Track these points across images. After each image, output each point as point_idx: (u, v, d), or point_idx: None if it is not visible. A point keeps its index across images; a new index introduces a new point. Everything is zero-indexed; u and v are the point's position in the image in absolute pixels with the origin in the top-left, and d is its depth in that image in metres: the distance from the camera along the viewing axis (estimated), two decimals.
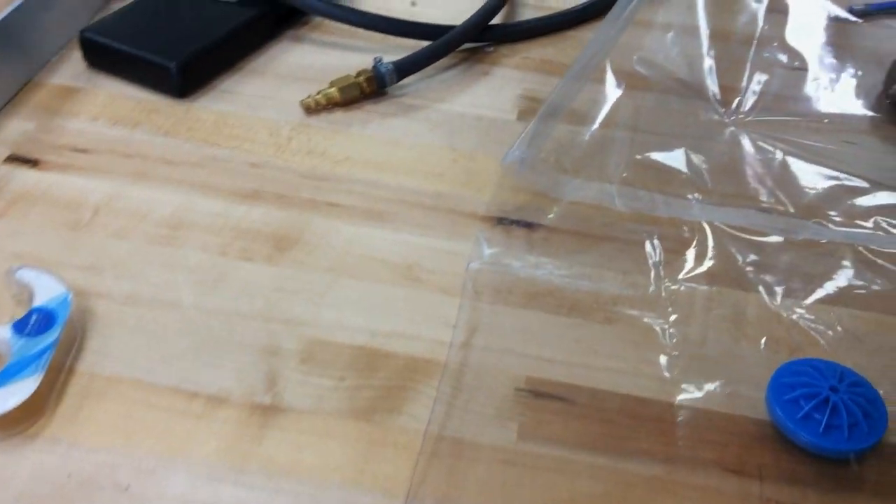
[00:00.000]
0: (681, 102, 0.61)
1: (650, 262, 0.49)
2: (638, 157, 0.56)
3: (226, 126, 0.57)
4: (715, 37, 0.65)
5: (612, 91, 0.60)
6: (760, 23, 0.67)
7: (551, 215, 0.52)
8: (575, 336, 0.45)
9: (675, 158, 0.56)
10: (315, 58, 0.64)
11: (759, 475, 0.39)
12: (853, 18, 0.71)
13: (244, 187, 0.52)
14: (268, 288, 0.46)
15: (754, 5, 0.69)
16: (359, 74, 0.60)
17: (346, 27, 0.66)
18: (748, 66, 0.63)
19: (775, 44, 0.65)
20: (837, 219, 0.53)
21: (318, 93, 0.59)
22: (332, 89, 0.59)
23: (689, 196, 0.53)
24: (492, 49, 0.67)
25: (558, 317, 0.46)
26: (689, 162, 0.56)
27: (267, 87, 0.61)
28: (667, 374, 0.43)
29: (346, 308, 0.45)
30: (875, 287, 0.49)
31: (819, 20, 0.69)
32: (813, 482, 0.39)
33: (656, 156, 0.56)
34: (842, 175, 0.56)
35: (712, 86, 0.62)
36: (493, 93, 0.62)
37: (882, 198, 0.55)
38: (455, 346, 0.44)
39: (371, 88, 0.60)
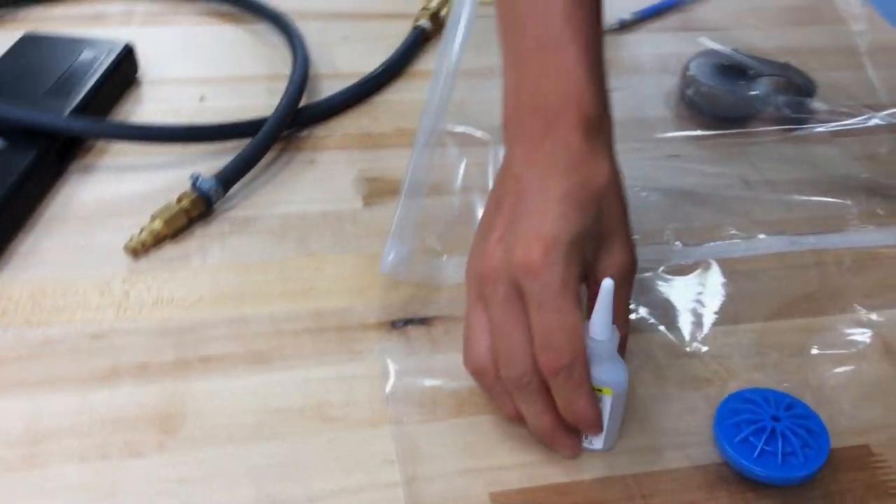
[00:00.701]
0: None
1: None
2: None
3: (45, 297, 0.49)
4: None
5: (458, 153, 0.59)
6: None
7: (442, 304, 0.50)
8: (518, 433, 0.43)
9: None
10: (116, 188, 0.57)
11: None
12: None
13: (96, 368, 0.45)
14: (172, 482, 0.40)
15: None
16: (180, 199, 0.54)
17: (136, 145, 0.60)
18: None
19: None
20: (694, 236, 0.56)
21: (141, 231, 0.52)
22: (157, 223, 0.53)
23: None
24: (305, 133, 0.64)
25: (493, 417, 0.44)
26: None
27: (76, 237, 0.53)
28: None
29: (268, 480, 0.41)
30: (750, 293, 0.52)
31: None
32: None
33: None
34: (681, 190, 0.59)
35: None
36: (327, 182, 0.59)
37: (722, 206, 0.58)
38: (405, 484, 0.41)
39: (198, 211, 0.54)
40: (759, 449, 0.41)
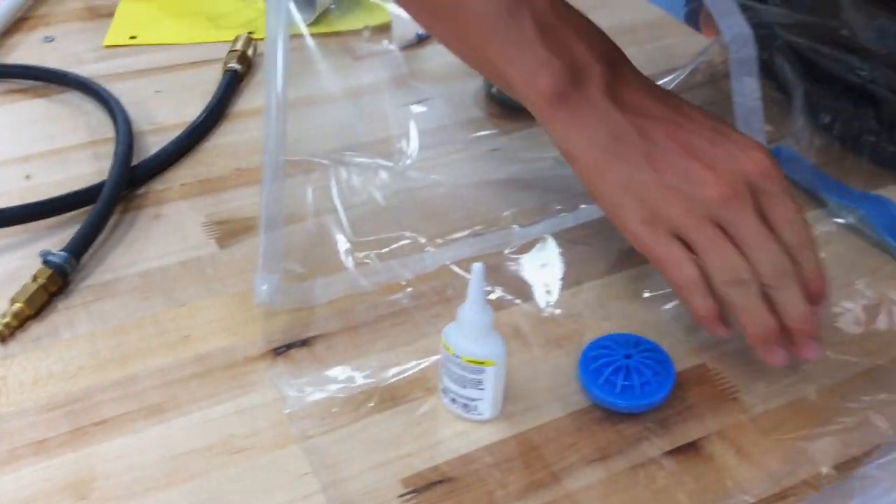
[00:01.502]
0: (360, 168, 0.66)
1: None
2: (357, 234, 0.60)
3: None
4: (349, 96, 0.71)
5: (302, 182, 0.63)
6: (378, 71, 0.75)
7: (318, 323, 0.54)
8: (414, 420, 0.48)
9: (385, 223, 0.61)
10: None
11: (602, 455, 0.47)
12: None
13: None
14: None
15: (362, 60, 0.76)
16: (35, 277, 0.55)
17: None
18: (389, 113, 0.70)
19: (400, 88, 0.73)
20: (528, 217, 0.63)
21: (4, 315, 0.53)
22: (18, 305, 0.53)
23: (419, 251, 0.59)
24: (143, 190, 0.65)
25: (390, 411, 0.49)
26: (396, 220, 0.61)
27: None
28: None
29: None
30: (586, 257, 0.59)
31: (416, 56, 0.79)
32: (643, 436, 0.48)
33: (369, 227, 0.61)
34: (507, 179, 0.66)
35: (375, 143, 0.68)
36: (178, 232, 0.61)
37: (545, 186, 0.66)
38: (324, 491, 0.44)
39: (56, 285, 0.55)
40: (619, 385, 0.48)
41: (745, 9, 0.59)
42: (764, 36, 0.67)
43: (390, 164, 0.66)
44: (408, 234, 0.60)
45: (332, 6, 0.85)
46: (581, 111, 0.48)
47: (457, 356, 0.46)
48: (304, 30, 0.66)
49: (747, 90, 0.63)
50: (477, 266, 0.44)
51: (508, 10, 0.49)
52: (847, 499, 0.40)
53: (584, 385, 0.49)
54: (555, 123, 0.49)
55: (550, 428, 0.48)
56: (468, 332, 0.45)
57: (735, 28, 0.59)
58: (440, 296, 0.56)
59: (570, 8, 0.52)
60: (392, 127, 0.69)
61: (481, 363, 0.46)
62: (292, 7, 0.61)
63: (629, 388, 0.48)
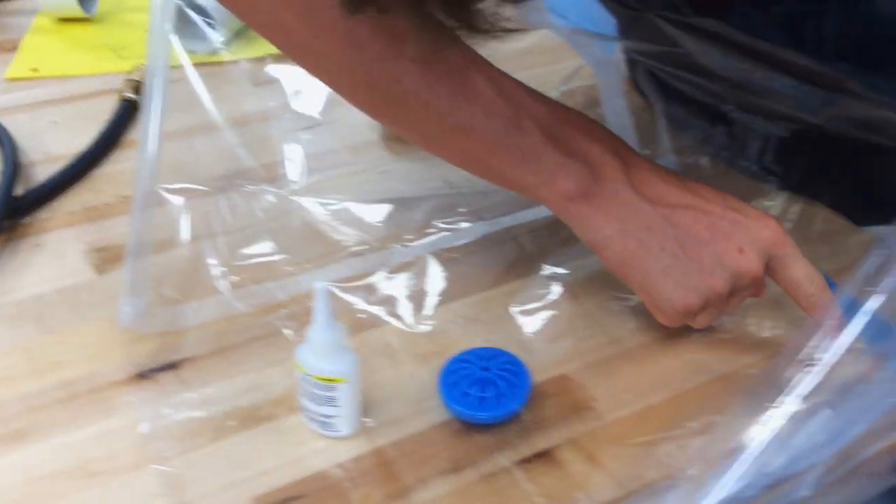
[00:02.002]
0: (243, 194, 0.67)
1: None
2: (235, 259, 0.61)
3: None
4: (235, 125, 0.72)
5: (179, 209, 0.64)
6: (265, 99, 0.76)
7: (188, 346, 0.55)
8: (274, 439, 0.49)
9: (265, 246, 0.62)
10: None
11: (455, 467, 0.48)
12: None
13: None
14: None
15: (254, 88, 0.78)
16: None
17: None
18: (276, 140, 0.72)
19: (287, 115, 0.75)
20: (410, 237, 0.64)
21: None
22: None
23: (296, 272, 0.60)
24: (28, 220, 0.66)
25: (251, 431, 0.49)
26: (278, 243, 0.63)
27: None
28: (367, 421, 0.50)
29: None
30: (463, 275, 0.61)
31: (305, 85, 0.80)
32: (500, 446, 0.49)
33: (249, 250, 0.62)
34: (394, 199, 0.68)
35: (260, 169, 0.69)
36: (57, 260, 0.62)
37: (431, 206, 0.67)
38: None
39: None
40: (475, 397, 0.49)
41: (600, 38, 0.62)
42: (630, 59, 0.70)
43: (275, 189, 0.67)
44: (287, 256, 0.62)
45: (222, 40, 0.86)
46: (607, 204, 0.52)
47: (308, 374, 0.47)
48: (186, 60, 0.67)
49: (618, 110, 0.65)
50: (320, 286, 0.45)
51: (511, 122, 0.52)
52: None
53: (443, 398, 0.50)
54: (580, 219, 0.53)
55: (409, 442, 0.49)
56: (318, 351, 0.46)
57: (596, 55, 0.61)
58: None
59: (565, 107, 0.55)
60: (279, 153, 0.70)
61: (332, 380, 0.47)
62: (174, 39, 0.62)
63: (484, 399, 0.49)
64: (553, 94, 0.71)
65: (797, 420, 0.44)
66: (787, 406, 0.45)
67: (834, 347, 0.45)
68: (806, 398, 0.45)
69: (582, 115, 0.55)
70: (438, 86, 0.52)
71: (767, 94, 0.57)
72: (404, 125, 0.58)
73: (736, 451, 0.44)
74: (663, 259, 0.51)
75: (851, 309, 0.50)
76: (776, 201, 0.66)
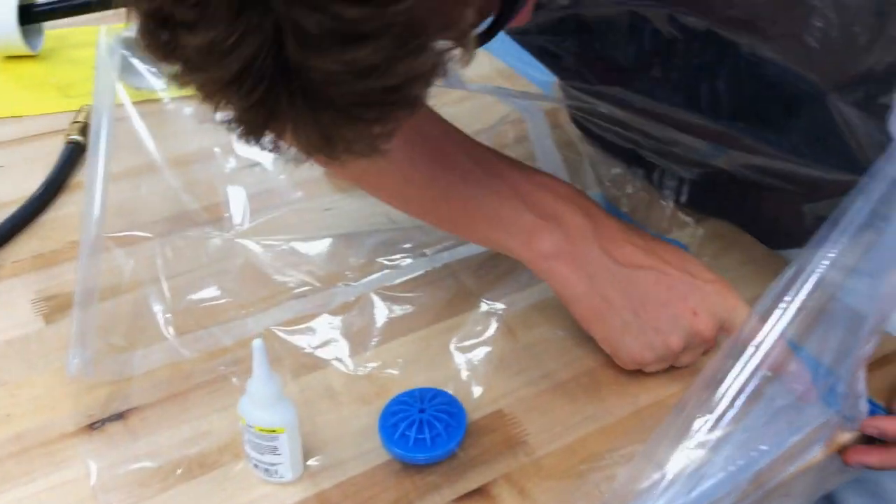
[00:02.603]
0: (188, 238, 0.69)
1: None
2: (181, 304, 0.63)
3: None
4: (178, 165, 0.74)
5: (124, 255, 0.66)
6: (210, 138, 0.78)
7: (136, 395, 0.57)
8: (221, 486, 0.51)
9: (210, 291, 0.64)
10: None
11: (408, 502, 0.51)
12: None
13: None
14: None
15: (199, 126, 0.79)
16: None
17: None
18: (219, 181, 0.74)
19: (231, 154, 0.77)
20: (353, 275, 0.67)
21: None
22: None
23: (241, 316, 0.62)
24: None
25: (198, 479, 0.52)
26: (223, 286, 0.65)
27: None
28: (311, 463, 0.52)
29: None
30: (404, 313, 0.64)
31: None
32: (438, 485, 0.52)
33: (194, 295, 0.64)
34: (338, 237, 0.70)
35: (204, 211, 0.71)
36: (5, 311, 0.63)
37: (374, 242, 0.70)
38: None
39: None
40: (412, 439, 0.52)
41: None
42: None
43: (219, 231, 0.69)
44: (231, 299, 0.64)
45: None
46: (579, 263, 0.55)
47: (250, 426, 0.49)
48: (126, 99, 0.68)
49: (547, 150, 0.69)
50: (256, 343, 0.47)
51: (489, 189, 0.56)
52: None
53: (382, 440, 0.53)
54: (555, 276, 0.56)
55: (350, 484, 0.52)
56: (258, 403, 0.49)
57: (520, 104, 0.64)
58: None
59: (537, 172, 0.59)
60: (223, 194, 0.72)
61: (273, 431, 0.49)
62: (117, 83, 0.64)
63: (421, 440, 0.52)
64: (486, 134, 0.74)
65: (711, 448, 0.47)
66: (702, 435, 0.48)
67: (746, 374, 0.48)
68: (720, 426, 0.48)
69: (551, 177, 0.59)
70: (419, 159, 0.56)
71: (674, 145, 0.61)
72: (385, 194, 0.62)
73: (652, 481, 0.47)
74: (625, 316, 0.56)
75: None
76: (699, 230, 0.70)
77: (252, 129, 0.35)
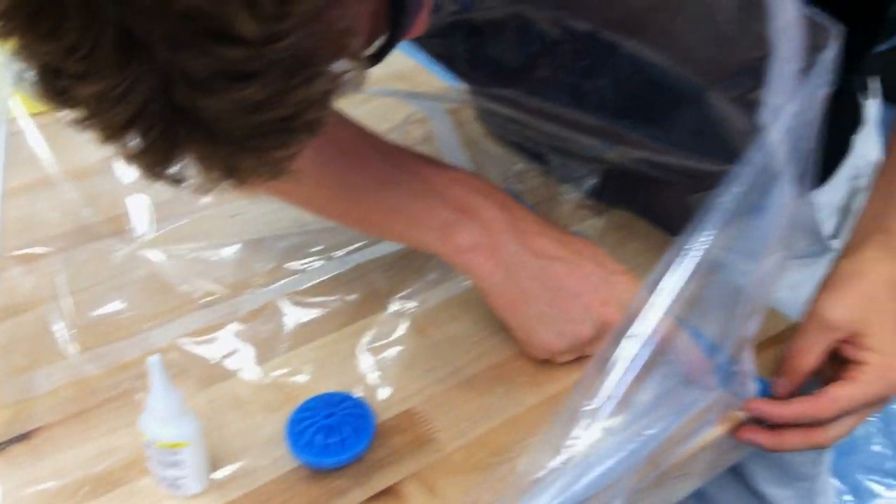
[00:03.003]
0: (90, 251, 0.68)
1: None
2: (84, 319, 0.62)
3: None
4: (78, 179, 0.73)
5: (21, 273, 0.65)
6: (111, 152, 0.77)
7: (39, 414, 0.56)
8: (127, 502, 0.51)
9: (114, 304, 0.64)
10: None
11: None
12: None
13: None
14: None
15: None
16: None
17: None
18: (121, 191, 0.73)
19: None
20: (262, 281, 0.67)
21: None
22: None
23: (146, 329, 0.62)
24: None
25: (104, 496, 0.51)
26: (127, 299, 0.64)
27: None
28: (218, 476, 0.52)
29: None
30: (313, 317, 0.64)
31: None
32: (347, 488, 0.52)
33: (98, 310, 0.63)
34: (246, 242, 0.70)
35: (106, 223, 0.70)
36: None
37: (284, 247, 0.70)
38: None
39: None
40: (320, 444, 0.53)
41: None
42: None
43: (122, 243, 0.69)
44: (136, 312, 0.63)
45: None
46: (496, 255, 0.57)
47: (152, 442, 0.49)
48: (22, 112, 0.67)
49: (452, 148, 0.70)
50: (151, 360, 0.47)
51: (403, 188, 0.57)
52: None
53: (290, 447, 0.53)
54: (472, 269, 0.57)
55: (260, 493, 0.52)
56: (159, 419, 0.49)
57: (424, 105, 0.65)
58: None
59: (451, 167, 0.59)
60: (124, 204, 0.71)
61: (176, 445, 0.49)
62: (10, 98, 0.63)
63: (329, 445, 0.53)
64: (392, 135, 0.75)
65: (603, 432, 0.49)
66: (590, 418, 0.49)
67: (636, 358, 0.50)
68: (608, 410, 0.49)
69: (466, 171, 0.60)
70: (329, 162, 0.56)
71: (568, 142, 0.63)
72: (297, 199, 0.62)
73: (548, 469, 0.49)
74: (539, 306, 0.57)
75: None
76: (600, 221, 0.72)
77: (152, 167, 0.36)
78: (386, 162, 0.57)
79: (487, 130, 0.74)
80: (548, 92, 0.59)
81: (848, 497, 1.50)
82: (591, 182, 0.69)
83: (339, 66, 0.35)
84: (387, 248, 0.70)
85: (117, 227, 0.70)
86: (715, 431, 0.57)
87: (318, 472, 0.53)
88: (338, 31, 0.34)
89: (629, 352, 0.49)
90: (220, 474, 0.53)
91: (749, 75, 0.45)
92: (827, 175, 0.72)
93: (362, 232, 0.62)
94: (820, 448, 0.55)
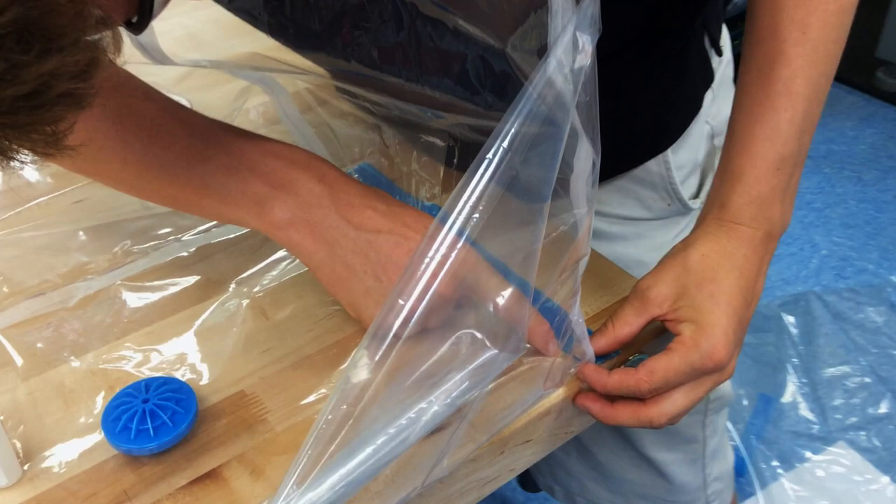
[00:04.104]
0: None
1: None
2: None
3: None
4: None
5: None
6: None
7: None
8: None
9: None
10: None
11: (126, 498, 0.50)
12: None
13: None
14: None
15: None
16: None
17: None
18: None
19: None
20: (98, 267, 0.65)
21: None
22: None
23: None
24: None
25: None
26: None
27: None
28: (36, 465, 0.51)
29: None
30: (147, 302, 0.63)
31: None
32: (167, 473, 0.51)
33: None
34: (89, 229, 0.69)
35: None
36: None
37: (129, 231, 0.68)
38: None
39: None
40: (134, 430, 0.51)
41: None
42: None
43: None
44: None
45: None
46: (316, 231, 0.55)
47: None
48: None
49: (298, 124, 0.69)
50: None
51: (212, 163, 0.54)
52: None
53: (105, 435, 0.52)
54: (293, 245, 0.56)
55: (73, 482, 0.51)
56: None
57: (255, 77, 0.64)
58: None
59: (266, 139, 0.57)
60: None
61: None
62: None
63: (144, 431, 0.51)
64: (225, 116, 0.73)
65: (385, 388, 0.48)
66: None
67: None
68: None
69: (285, 144, 0.58)
70: (133, 140, 0.54)
71: (397, 110, 0.61)
72: (110, 180, 0.60)
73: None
74: (366, 281, 0.55)
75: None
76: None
77: None
78: (194, 136, 0.55)
79: (352, 105, 0.73)
80: (357, 55, 0.57)
81: (775, 462, 1.53)
82: (451, 152, 0.67)
83: (92, 39, 0.34)
84: (235, 228, 0.69)
85: None
86: (555, 396, 0.57)
87: (136, 460, 0.52)
88: (70, 3, 0.33)
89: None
90: (36, 465, 0.52)
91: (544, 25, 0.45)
92: (679, 132, 0.72)
93: (180, 211, 0.60)
94: (653, 427, 0.54)
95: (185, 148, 0.55)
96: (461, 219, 0.44)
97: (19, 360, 0.58)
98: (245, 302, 0.63)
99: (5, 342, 0.59)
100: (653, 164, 0.73)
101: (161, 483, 0.51)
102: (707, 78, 0.72)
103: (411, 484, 0.49)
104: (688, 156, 0.74)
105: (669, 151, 0.72)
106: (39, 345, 0.59)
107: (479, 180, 0.44)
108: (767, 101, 0.57)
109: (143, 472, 0.52)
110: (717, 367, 0.54)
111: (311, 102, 0.78)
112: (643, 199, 0.75)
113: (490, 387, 0.52)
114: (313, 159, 0.57)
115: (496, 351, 0.51)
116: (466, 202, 0.44)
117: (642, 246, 0.76)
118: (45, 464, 0.52)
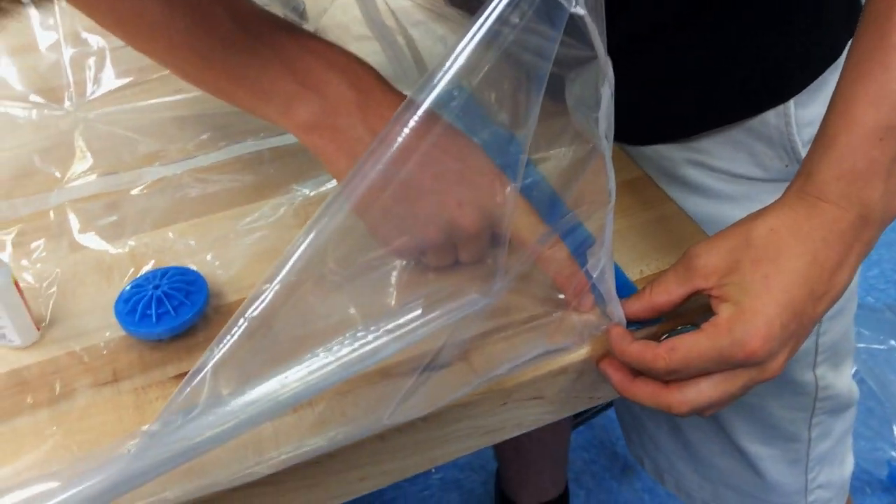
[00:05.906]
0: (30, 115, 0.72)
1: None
2: None
3: None
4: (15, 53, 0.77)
5: None
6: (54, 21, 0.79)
7: None
8: None
9: (25, 162, 0.67)
10: None
11: (115, 378, 0.52)
12: None
13: None
14: None
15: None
16: None
17: None
18: (64, 64, 0.75)
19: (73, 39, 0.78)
20: (174, 155, 0.68)
21: None
22: None
23: (51, 188, 0.65)
24: None
25: None
26: (42, 159, 0.67)
27: None
28: (52, 332, 0.54)
29: None
30: (199, 194, 0.64)
31: None
32: (164, 362, 0.53)
33: (5, 169, 0.66)
34: (171, 119, 0.71)
35: (38, 93, 0.73)
36: None
37: (215, 124, 0.70)
38: None
39: None
40: (139, 314, 0.53)
41: None
42: None
43: (61, 108, 0.71)
44: (43, 171, 0.66)
45: None
46: (339, 139, 0.52)
47: None
48: None
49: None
50: None
51: (250, 53, 0.54)
52: None
53: (115, 315, 0.54)
54: (316, 150, 0.54)
55: (81, 353, 0.54)
56: None
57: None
58: (47, 232, 0.62)
59: (310, 36, 0.55)
60: (63, 77, 0.74)
61: None
62: None
63: (148, 317, 0.53)
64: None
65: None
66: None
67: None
68: None
69: (328, 43, 0.55)
70: (179, 19, 0.55)
71: None
72: (157, 57, 0.61)
73: None
74: (384, 200, 0.52)
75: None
76: None
77: None
78: (238, 25, 0.53)
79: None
80: None
81: None
82: None
83: None
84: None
85: (57, 95, 0.73)
86: (576, 355, 0.53)
87: (143, 343, 0.54)
88: None
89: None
90: (52, 331, 0.55)
91: None
92: (806, 82, 0.63)
93: (221, 99, 0.59)
94: (672, 413, 0.48)
95: (225, 35, 0.53)
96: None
97: (76, 232, 0.62)
98: (294, 208, 0.63)
99: (70, 213, 0.63)
100: (771, 116, 0.64)
101: (154, 370, 0.53)
102: (853, 22, 0.62)
103: (375, 414, 0.48)
104: (817, 111, 0.64)
105: (792, 103, 0.63)
106: (98, 221, 0.63)
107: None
108: (878, 55, 0.48)
109: (144, 355, 0.53)
110: (749, 359, 0.47)
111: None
112: (757, 155, 0.66)
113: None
114: (353, 62, 0.54)
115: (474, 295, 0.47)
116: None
117: (750, 209, 0.67)
118: (61, 332, 0.55)
